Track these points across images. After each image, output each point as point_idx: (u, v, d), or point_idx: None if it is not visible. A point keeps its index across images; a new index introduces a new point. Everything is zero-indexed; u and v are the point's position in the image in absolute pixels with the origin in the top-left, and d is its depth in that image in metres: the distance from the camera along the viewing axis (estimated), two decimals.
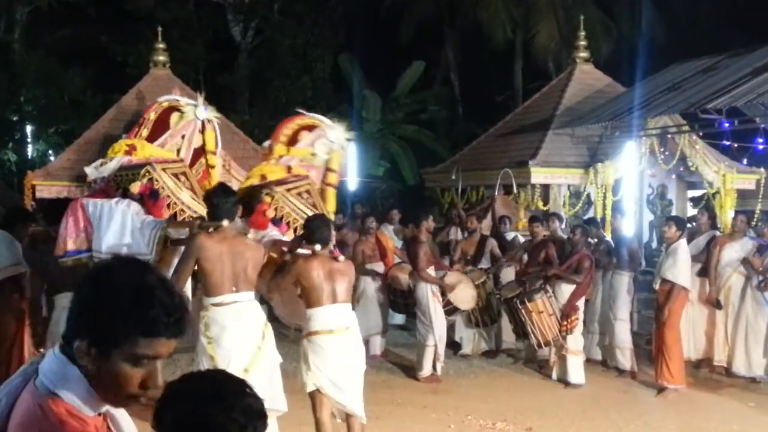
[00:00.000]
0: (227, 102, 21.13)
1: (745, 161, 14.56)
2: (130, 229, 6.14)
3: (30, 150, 25.15)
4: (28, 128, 24.74)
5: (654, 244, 14.72)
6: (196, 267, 5.70)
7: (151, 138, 7.11)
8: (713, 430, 7.71)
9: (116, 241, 6.17)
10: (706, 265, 9.73)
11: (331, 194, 7.44)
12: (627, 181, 13.67)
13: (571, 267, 9.35)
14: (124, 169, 6.81)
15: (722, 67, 13.19)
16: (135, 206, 6.42)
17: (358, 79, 24.02)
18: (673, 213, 14.17)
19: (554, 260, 9.58)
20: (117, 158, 6.78)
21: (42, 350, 7.88)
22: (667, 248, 9.13)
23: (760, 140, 13.79)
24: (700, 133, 13.64)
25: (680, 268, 8.82)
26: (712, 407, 8.54)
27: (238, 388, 1.75)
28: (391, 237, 11.33)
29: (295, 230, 6.63)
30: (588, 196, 13.81)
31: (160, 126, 7.13)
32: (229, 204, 5.73)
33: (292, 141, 7.30)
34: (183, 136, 7.22)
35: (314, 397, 6.01)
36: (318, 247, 5.93)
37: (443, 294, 9.51)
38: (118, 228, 6.14)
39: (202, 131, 7.50)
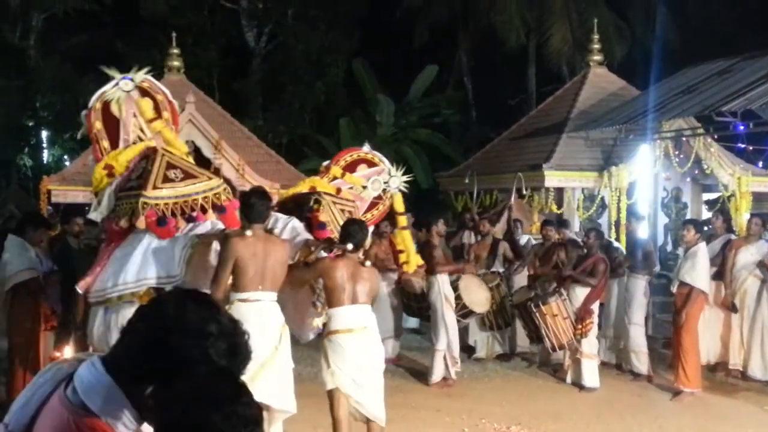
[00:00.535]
0: (241, 107, 21.22)
1: (760, 164, 14.48)
2: (159, 254, 5.95)
3: (45, 155, 25.33)
4: (44, 134, 24.92)
5: (669, 248, 14.65)
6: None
7: (113, 142, 6.65)
8: None
9: (142, 272, 5.98)
10: (720, 269, 9.68)
11: (407, 237, 7.68)
12: (641, 184, 13.61)
13: (586, 270, 9.32)
14: (120, 197, 6.38)
15: (737, 69, 13.12)
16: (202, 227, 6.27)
17: (372, 84, 24.04)
18: (688, 216, 14.11)
19: (567, 263, 9.56)
20: (106, 191, 6.41)
21: (58, 354, 7.93)
22: (686, 251, 9.10)
23: None
24: (715, 136, 13.57)
25: (699, 271, 8.78)
26: (727, 411, 8.49)
27: (233, 392, 1.72)
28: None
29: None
30: (602, 199, 13.77)
31: (111, 126, 6.67)
32: (264, 207, 5.89)
33: (350, 168, 7.42)
34: (135, 115, 6.71)
35: (332, 395, 6.11)
36: (350, 246, 6.08)
37: (458, 298, 9.50)
38: (140, 259, 5.96)
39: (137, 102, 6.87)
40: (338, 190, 7.22)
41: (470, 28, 25.33)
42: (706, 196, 15.45)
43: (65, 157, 24.33)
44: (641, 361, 9.61)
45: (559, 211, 13.33)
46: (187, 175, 6.35)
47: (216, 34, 23.45)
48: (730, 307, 9.66)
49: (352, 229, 6.19)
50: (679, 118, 13.13)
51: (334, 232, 6.54)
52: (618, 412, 8.36)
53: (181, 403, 1.68)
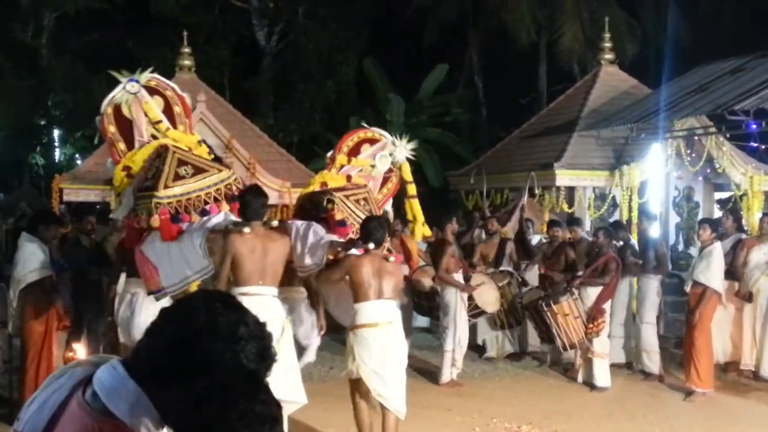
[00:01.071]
0: (252, 106, 21.24)
1: None
2: (187, 251, 6.04)
3: (57, 154, 25.43)
4: (56, 132, 25.01)
5: (680, 247, 14.59)
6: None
7: (129, 143, 6.75)
8: None
9: (180, 272, 6.07)
10: (731, 268, 9.62)
11: (415, 205, 7.74)
12: (653, 183, 13.57)
13: (597, 270, 9.30)
14: (138, 197, 6.47)
15: (749, 68, 13.05)
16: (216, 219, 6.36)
17: (382, 83, 24.02)
18: (700, 215, 14.04)
19: (576, 263, 9.56)
20: (127, 191, 6.57)
21: (71, 353, 7.96)
22: (701, 251, 9.06)
23: None
24: (728, 135, 13.52)
25: (713, 271, 8.76)
26: (739, 411, 8.46)
27: (251, 391, 1.71)
28: (415, 240, 11.31)
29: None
30: (613, 198, 13.72)
31: (125, 128, 6.77)
32: (259, 204, 6.02)
33: (354, 152, 7.51)
34: (146, 114, 6.79)
35: (354, 383, 6.36)
36: (372, 246, 6.22)
37: (470, 298, 9.50)
38: (177, 258, 6.06)
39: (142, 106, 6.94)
40: (349, 178, 7.33)
41: (480, 26, 25.28)
42: (718, 195, 15.38)
43: (77, 155, 24.42)
44: (653, 361, 9.58)
45: (570, 211, 13.29)
46: (198, 170, 6.41)
47: (227, 32, 23.47)
48: (746, 298, 9.59)
49: (371, 227, 6.33)
50: (691, 117, 13.07)
51: (354, 224, 6.70)
52: (629, 411, 8.33)
53: (198, 402, 1.66)
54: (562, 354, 9.82)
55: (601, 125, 14.03)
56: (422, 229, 7.91)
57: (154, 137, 6.72)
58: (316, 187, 7.21)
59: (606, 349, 9.36)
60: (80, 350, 8.18)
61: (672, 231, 14.88)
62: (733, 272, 9.64)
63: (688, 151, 13.54)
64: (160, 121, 6.75)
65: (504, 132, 19.60)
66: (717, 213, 14.55)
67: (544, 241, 11.22)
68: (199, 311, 1.74)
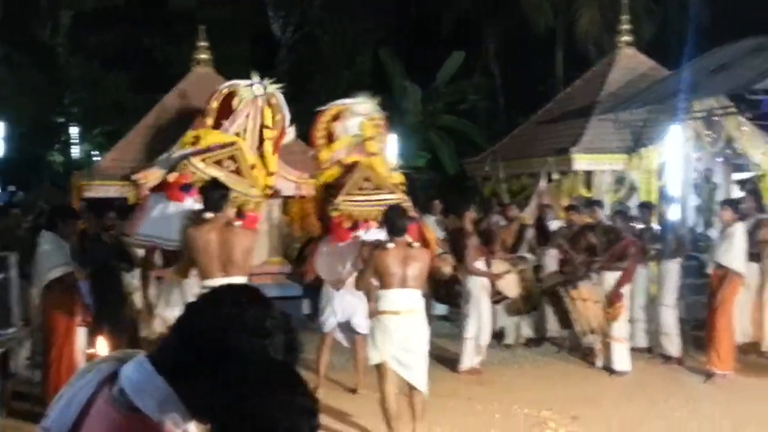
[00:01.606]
0: None
1: None
2: (168, 219, 6.70)
3: (76, 151, 25.59)
4: (74, 130, 25.16)
5: (700, 229, 14.47)
6: None
7: (217, 125, 7.46)
8: (762, 416, 7.58)
9: (153, 230, 6.83)
10: (752, 250, 9.53)
11: (377, 162, 7.89)
12: (672, 165, 13.44)
13: (616, 254, 9.26)
14: (185, 164, 7.19)
15: None
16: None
17: (399, 72, 23.98)
18: (720, 197, 13.90)
19: (596, 247, 9.51)
20: (181, 151, 7.23)
21: (93, 350, 8.03)
22: (722, 232, 9.00)
23: None
24: (747, 115, 13.37)
25: (735, 252, 8.69)
26: (761, 393, 8.40)
27: (289, 382, 1.72)
28: (432, 228, 11.31)
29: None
30: (632, 182, 13.62)
31: (224, 112, 7.47)
32: (218, 196, 6.22)
33: (329, 138, 7.52)
34: (247, 116, 7.51)
35: (379, 369, 6.51)
36: (396, 240, 6.42)
37: (492, 285, 9.49)
38: (158, 219, 6.74)
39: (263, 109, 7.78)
40: (339, 163, 7.69)
41: (497, 13, 25.16)
42: (738, 176, 15.22)
43: (95, 152, 24.59)
44: (672, 344, 9.53)
45: (588, 195, 13.21)
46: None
47: (243, 25, 23.51)
48: None
49: (393, 215, 6.55)
50: (710, 98, 12.93)
51: (372, 212, 7.26)
52: (650, 395, 8.31)
53: (236, 395, 1.67)
54: (581, 339, 9.79)
55: (619, 108, 13.90)
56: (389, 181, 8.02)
57: (237, 135, 7.37)
58: (320, 191, 7.77)
59: (625, 334, 9.33)
60: (102, 346, 8.26)
61: (691, 213, 14.75)
62: (754, 253, 9.56)
63: (708, 132, 13.41)
64: (268, 127, 7.47)
65: (521, 119, 19.51)
66: (736, 194, 14.42)
67: (563, 226, 11.17)
68: (224, 305, 1.75)
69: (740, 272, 8.78)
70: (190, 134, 7.48)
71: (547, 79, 24.56)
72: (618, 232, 9.39)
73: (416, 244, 6.64)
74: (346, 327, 8.15)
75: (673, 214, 10.67)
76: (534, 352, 10.29)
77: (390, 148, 8.29)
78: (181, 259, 6.32)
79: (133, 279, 9.05)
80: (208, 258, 6.05)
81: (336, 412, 7.40)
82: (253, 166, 7.36)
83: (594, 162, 13.47)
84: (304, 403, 1.69)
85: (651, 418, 7.59)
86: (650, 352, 9.90)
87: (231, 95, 7.52)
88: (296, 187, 11.76)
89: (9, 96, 21.55)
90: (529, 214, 11.75)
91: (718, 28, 19.75)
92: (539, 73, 24.40)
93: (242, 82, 7.61)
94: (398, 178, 8.06)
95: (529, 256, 10.56)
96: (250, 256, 6.28)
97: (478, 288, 9.30)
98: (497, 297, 9.61)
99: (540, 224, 11.14)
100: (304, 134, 8.91)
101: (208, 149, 7.19)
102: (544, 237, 10.84)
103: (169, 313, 6.88)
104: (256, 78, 7.59)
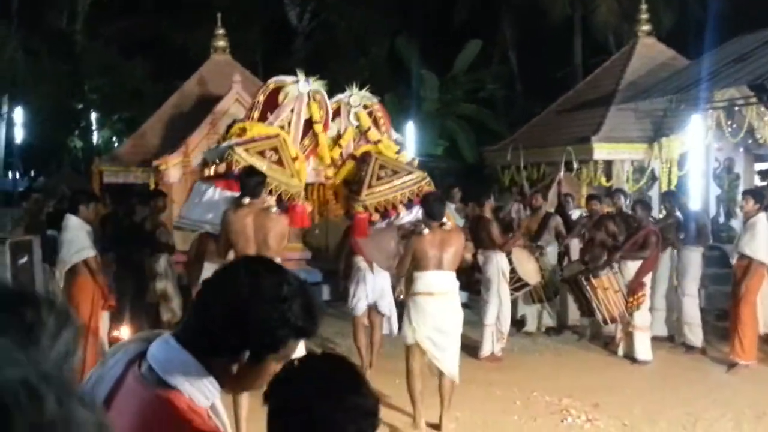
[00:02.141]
0: None
1: None
2: (215, 205, 7.01)
3: (95, 137, 25.70)
4: (93, 116, 25.27)
5: (721, 219, 14.39)
6: None
7: (263, 118, 7.72)
8: None
9: (201, 215, 7.16)
10: None
11: (383, 148, 8.03)
12: (693, 155, 13.36)
13: (638, 243, 9.22)
14: (230, 153, 7.41)
15: None
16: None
17: (415, 60, 23.92)
18: (741, 187, 13.82)
19: (617, 236, 9.47)
20: (227, 142, 7.51)
21: (116, 333, 8.09)
22: (745, 222, 8.94)
23: None
24: None
25: (758, 242, 8.62)
26: None
27: (353, 384, 1.74)
28: (452, 215, 11.29)
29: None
30: (652, 171, 13.56)
31: (270, 106, 7.74)
32: (254, 183, 6.45)
33: (336, 138, 7.98)
34: (292, 110, 7.78)
35: (410, 348, 6.69)
36: (432, 225, 6.62)
37: (512, 271, 9.48)
38: (205, 204, 7.09)
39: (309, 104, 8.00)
40: (353, 157, 7.92)
41: (512, 1, 25.03)
42: (759, 166, 15.13)
43: (114, 138, 24.69)
44: (694, 334, 9.49)
45: (608, 184, 13.16)
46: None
47: (259, 13, 23.49)
48: None
49: (430, 201, 6.82)
50: (731, 87, 12.84)
51: (397, 198, 7.50)
52: (671, 385, 8.28)
53: (301, 397, 1.70)
54: (602, 328, 9.77)
55: (640, 97, 13.83)
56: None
57: (281, 128, 7.68)
58: (341, 187, 8.00)
59: (647, 323, 9.29)
60: (124, 329, 8.32)
61: (713, 203, 14.67)
62: None
63: (729, 122, 13.32)
64: (317, 122, 7.74)
65: (539, 107, 19.43)
66: (758, 184, 14.33)
67: (584, 215, 11.14)
68: (241, 277, 1.77)
69: (764, 262, 8.72)
70: (237, 126, 7.75)
71: (565, 67, 24.44)
72: (639, 221, 9.34)
73: (449, 224, 6.81)
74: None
75: (694, 203, 10.60)
76: (555, 341, 10.27)
77: (407, 136, 8.36)
78: (219, 241, 6.55)
79: (157, 264, 9.10)
80: (244, 240, 6.27)
81: None
82: (295, 158, 7.55)
83: (614, 151, 13.42)
84: (368, 405, 1.72)
85: (672, 406, 7.55)
86: (671, 341, 9.86)
87: (277, 90, 7.81)
88: (315, 174, 11.80)
89: (27, 83, 21.65)
90: (549, 204, 11.71)
91: (737, 17, 19.57)
92: (557, 61, 24.27)
93: (288, 78, 7.92)
94: (404, 158, 8.25)
95: (548, 246, 10.52)
96: (283, 240, 6.49)
97: (497, 275, 9.29)
98: (517, 284, 9.59)
99: (561, 213, 11.10)
100: None
101: (252, 140, 7.43)
102: (566, 226, 10.80)
103: None
104: (301, 75, 7.87)
